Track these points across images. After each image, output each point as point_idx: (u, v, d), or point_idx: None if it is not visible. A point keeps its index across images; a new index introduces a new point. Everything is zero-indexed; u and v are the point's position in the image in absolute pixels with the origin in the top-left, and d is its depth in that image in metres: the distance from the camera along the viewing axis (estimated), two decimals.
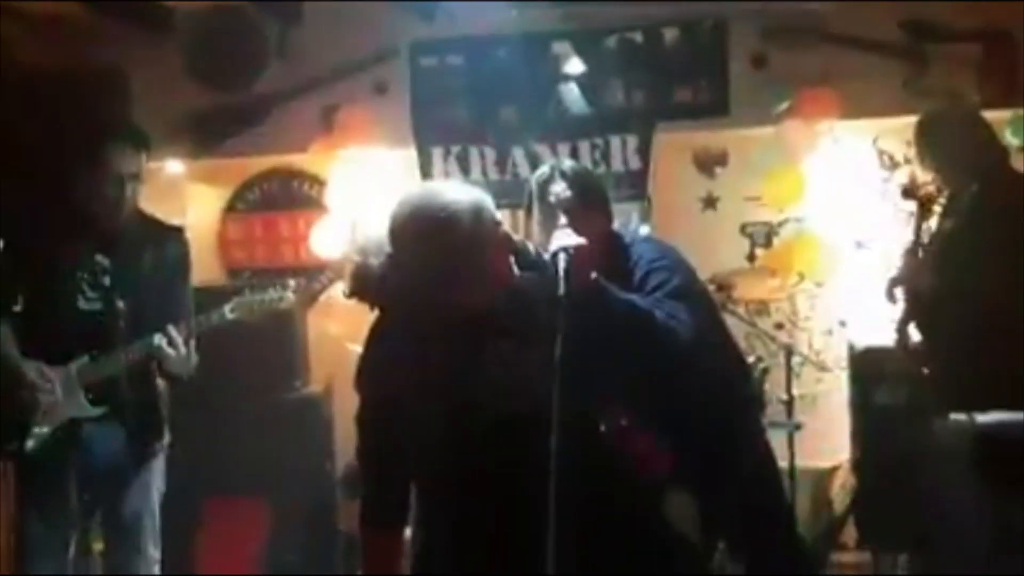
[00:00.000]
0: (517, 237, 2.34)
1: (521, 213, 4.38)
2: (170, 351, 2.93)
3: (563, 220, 2.37)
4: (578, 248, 2.14)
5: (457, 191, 2.10)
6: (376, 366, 2.20)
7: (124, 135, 3.10)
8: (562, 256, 2.11)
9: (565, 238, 2.17)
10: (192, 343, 3.01)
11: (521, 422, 2.06)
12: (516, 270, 2.16)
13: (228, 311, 3.06)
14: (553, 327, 2.02)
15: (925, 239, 3.70)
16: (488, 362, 2.11)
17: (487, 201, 2.10)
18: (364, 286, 2.28)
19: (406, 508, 2.29)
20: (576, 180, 2.60)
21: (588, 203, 2.56)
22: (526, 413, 2.03)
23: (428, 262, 2.04)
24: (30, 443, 2.94)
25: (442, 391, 2.10)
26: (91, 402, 2.99)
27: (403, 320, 2.18)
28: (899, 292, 3.75)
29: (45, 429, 2.96)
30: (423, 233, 2.03)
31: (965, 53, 4.23)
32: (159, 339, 2.93)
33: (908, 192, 3.75)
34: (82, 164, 3.03)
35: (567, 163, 2.73)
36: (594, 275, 2.22)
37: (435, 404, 2.10)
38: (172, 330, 2.94)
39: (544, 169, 2.67)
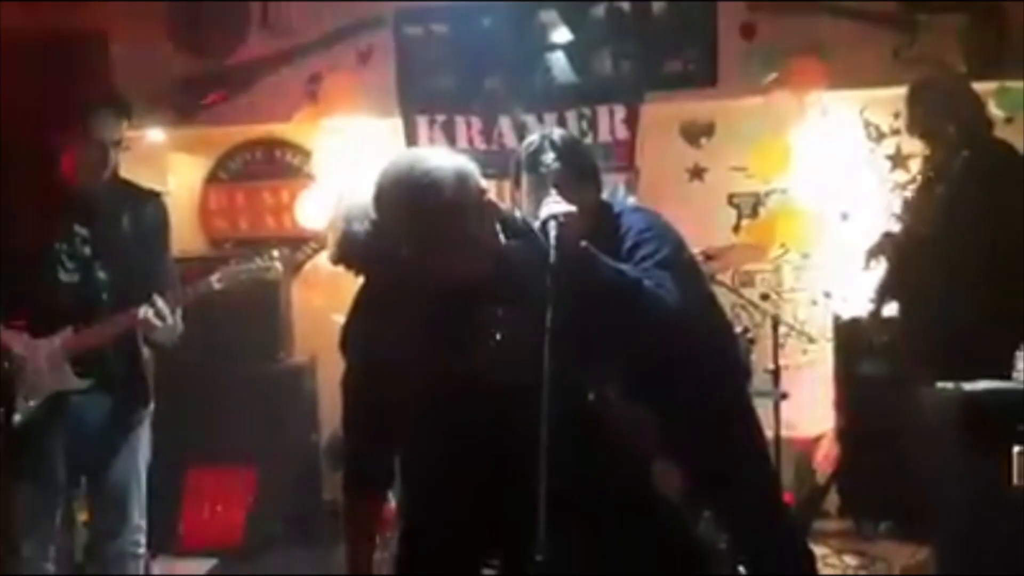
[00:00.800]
0: (504, 205, 2.33)
1: (508, 183, 4.41)
2: (157, 322, 2.90)
3: (552, 190, 2.36)
4: (567, 216, 2.13)
5: (441, 157, 2.09)
6: (361, 332, 2.20)
7: (106, 102, 3.05)
8: (552, 224, 2.10)
9: (555, 206, 2.16)
10: (179, 312, 2.98)
11: (507, 389, 2.05)
12: (502, 237, 2.15)
13: (215, 281, 3.03)
14: (541, 295, 2.02)
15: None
16: (474, 329, 2.11)
17: (471, 168, 2.09)
18: (349, 252, 2.27)
19: (389, 474, 2.29)
20: (565, 150, 2.57)
21: (577, 173, 2.54)
22: (512, 380, 2.03)
23: (411, 228, 2.03)
24: (17, 417, 2.91)
25: (426, 358, 2.09)
26: (77, 374, 2.97)
27: (387, 287, 2.17)
28: (876, 262, 3.77)
29: (32, 402, 2.93)
30: (406, 198, 2.01)
31: (953, 24, 4.23)
32: (145, 310, 2.90)
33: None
34: (63, 131, 2.98)
35: (556, 132, 2.69)
36: (583, 243, 2.21)
37: (420, 371, 2.10)
38: (159, 300, 2.91)
39: (533, 138, 2.64)
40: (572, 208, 2.16)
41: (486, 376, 2.09)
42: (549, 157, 2.53)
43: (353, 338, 2.23)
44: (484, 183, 2.11)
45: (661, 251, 2.42)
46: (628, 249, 2.44)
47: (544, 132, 2.68)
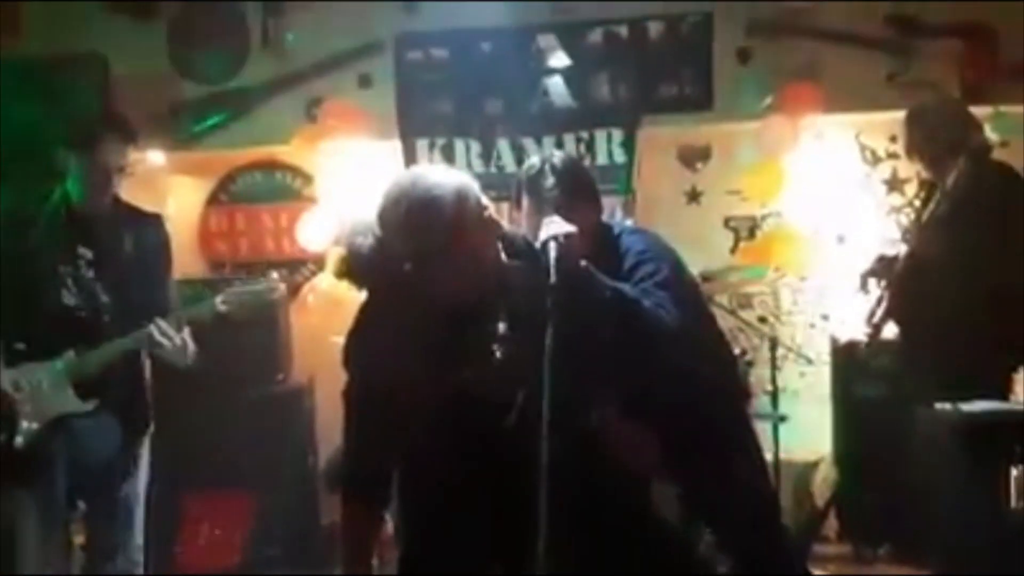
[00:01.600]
0: (505, 225, 2.34)
1: (507, 205, 4.43)
2: (164, 342, 2.91)
3: (552, 215, 2.38)
4: (568, 236, 2.15)
5: (443, 174, 2.11)
6: (362, 346, 2.22)
7: (112, 128, 3.08)
8: (552, 244, 2.12)
9: (555, 227, 2.18)
10: (187, 332, 2.98)
11: (505, 407, 2.06)
12: (503, 256, 2.16)
13: (219, 303, 3.04)
14: (541, 314, 2.03)
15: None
16: (473, 347, 2.12)
17: (473, 185, 2.11)
18: (353, 267, 2.28)
19: (388, 484, 2.29)
20: (566, 173, 2.59)
21: (578, 195, 2.56)
22: (511, 399, 2.04)
23: (413, 244, 2.05)
24: (19, 439, 2.91)
25: (426, 374, 2.10)
26: (80, 397, 2.97)
27: (389, 302, 2.19)
28: (872, 284, 3.78)
29: (35, 425, 2.93)
30: (408, 215, 2.04)
31: (947, 49, 4.27)
32: (151, 331, 2.91)
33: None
34: (70, 154, 3.00)
35: (557, 156, 2.71)
36: (583, 263, 2.22)
37: (419, 387, 2.11)
38: (162, 323, 2.91)
39: (534, 161, 2.66)
40: (572, 228, 2.18)
41: (485, 394, 2.10)
42: (550, 181, 2.55)
43: (354, 352, 2.24)
44: (485, 200, 2.13)
45: (660, 271, 2.44)
46: (628, 269, 2.45)
47: (545, 155, 2.70)
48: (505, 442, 2.04)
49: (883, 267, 3.76)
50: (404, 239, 2.05)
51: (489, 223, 2.12)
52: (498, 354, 2.11)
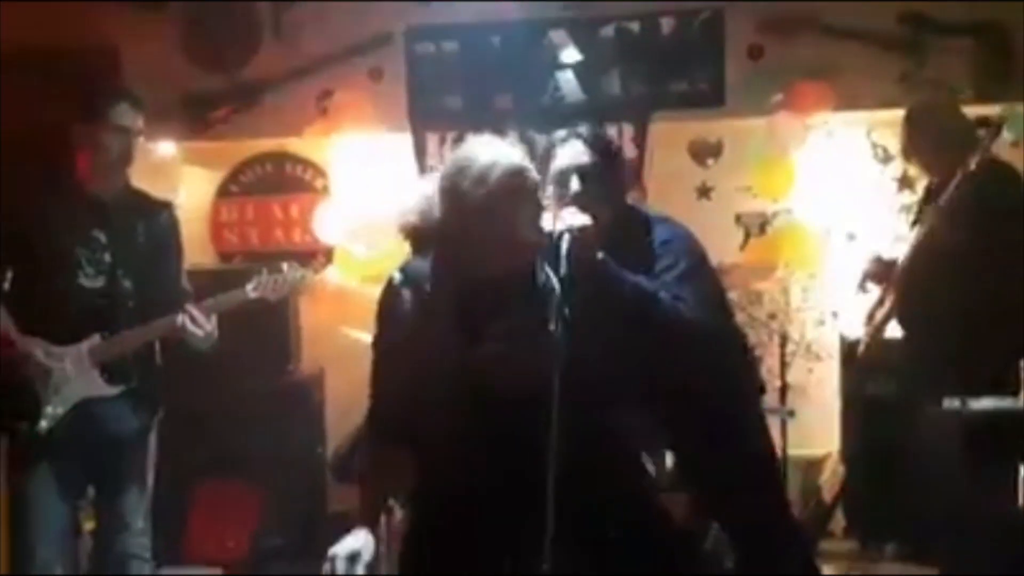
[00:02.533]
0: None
1: None
2: (196, 330, 2.92)
3: (576, 186, 2.36)
4: (582, 228, 2.14)
5: (495, 146, 2.09)
6: (396, 303, 2.19)
7: (122, 93, 3.10)
8: (566, 236, 2.11)
9: (570, 218, 2.16)
10: (214, 319, 2.99)
11: (519, 395, 2.06)
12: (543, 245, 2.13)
13: (250, 290, 3.05)
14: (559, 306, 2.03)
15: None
16: (494, 335, 2.11)
17: (504, 159, 2.06)
18: (409, 228, 2.25)
19: (408, 431, 2.24)
20: (595, 144, 2.54)
21: (604, 169, 2.50)
22: (528, 389, 2.04)
23: (461, 216, 2.05)
24: (43, 423, 2.93)
25: (451, 341, 2.10)
26: (107, 381, 2.98)
27: (428, 272, 2.17)
28: (870, 284, 3.78)
29: (60, 409, 2.94)
30: (438, 192, 2.06)
31: (960, 47, 4.26)
32: (182, 318, 2.92)
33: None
34: (82, 129, 3.01)
35: (585, 127, 2.62)
36: (600, 255, 2.21)
37: (442, 352, 2.10)
38: (193, 309, 2.93)
39: (560, 132, 2.62)
40: (587, 220, 2.17)
41: (503, 382, 2.09)
42: (577, 150, 2.51)
43: (387, 309, 2.21)
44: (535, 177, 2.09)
45: (681, 263, 2.41)
46: (649, 257, 2.42)
47: (574, 127, 2.64)
48: (515, 432, 2.04)
49: (878, 268, 3.76)
50: (448, 214, 2.06)
51: (522, 196, 2.07)
52: (518, 345, 2.09)
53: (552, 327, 2.03)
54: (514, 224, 2.05)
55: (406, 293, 2.17)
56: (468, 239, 2.06)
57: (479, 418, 2.09)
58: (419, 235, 2.24)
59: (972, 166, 3.36)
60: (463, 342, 2.10)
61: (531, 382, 2.02)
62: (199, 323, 2.93)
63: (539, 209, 2.12)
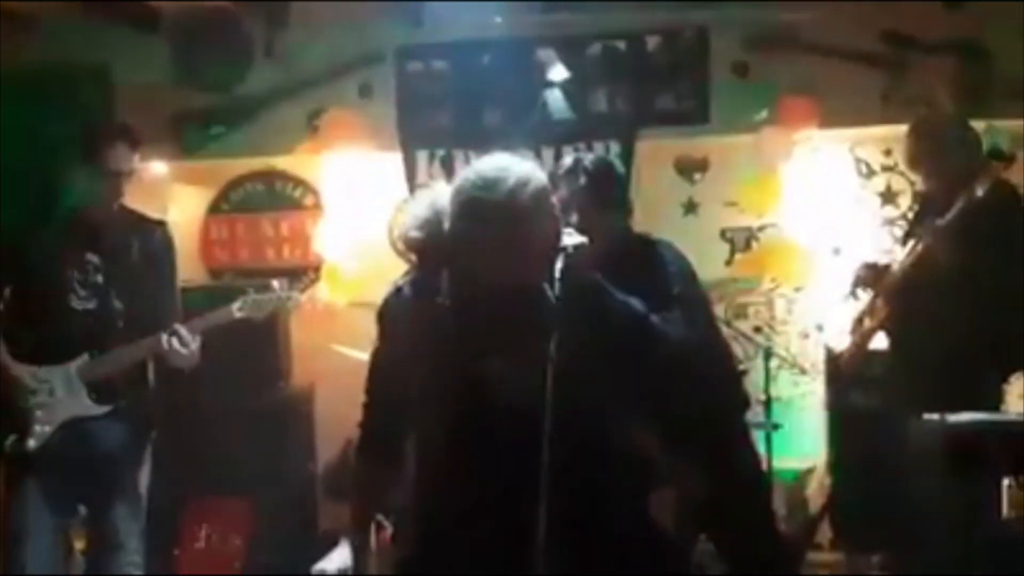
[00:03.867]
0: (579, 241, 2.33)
1: None
2: (182, 350, 2.95)
3: (574, 216, 2.40)
4: (577, 247, 2.18)
5: (508, 161, 2.09)
6: (399, 315, 2.21)
7: (118, 134, 3.12)
8: (561, 256, 2.15)
9: (566, 238, 2.20)
10: (198, 339, 3.03)
11: (518, 414, 2.09)
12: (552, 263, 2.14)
13: (236, 309, 3.08)
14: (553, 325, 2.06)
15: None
16: (492, 349, 2.13)
17: (536, 174, 2.08)
18: (410, 241, 2.26)
19: (399, 445, 2.28)
20: (596, 174, 2.60)
21: (604, 198, 2.56)
22: (523, 405, 2.07)
23: (475, 232, 2.06)
24: (31, 442, 2.95)
25: (449, 355, 2.12)
26: (95, 400, 3.01)
27: (434, 275, 2.19)
28: (860, 292, 3.81)
29: (47, 428, 2.97)
30: (460, 205, 2.07)
31: (941, 65, 4.32)
32: (168, 338, 2.95)
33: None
34: (77, 162, 3.04)
35: (589, 157, 2.72)
36: (594, 276, 2.25)
37: (438, 364, 2.12)
38: (181, 329, 2.96)
39: (566, 161, 2.67)
40: (583, 240, 2.20)
41: (498, 397, 2.11)
42: (580, 181, 2.56)
43: (389, 321, 2.22)
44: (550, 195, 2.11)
45: (673, 285, 2.45)
46: (643, 280, 2.46)
47: (578, 156, 2.70)
48: (509, 447, 2.07)
49: (871, 275, 3.79)
50: (466, 215, 2.06)
51: (555, 222, 2.11)
52: (515, 360, 2.12)
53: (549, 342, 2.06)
54: (538, 240, 2.07)
55: (411, 305, 2.18)
56: (489, 252, 2.05)
57: (479, 431, 2.11)
58: (426, 249, 2.25)
59: (979, 192, 3.38)
60: (467, 355, 2.12)
61: (530, 396, 2.05)
62: (184, 342, 2.95)
63: (559, 226, 2.13)
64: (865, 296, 3.82)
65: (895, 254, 3.91)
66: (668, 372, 2.33)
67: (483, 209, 2.04)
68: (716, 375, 2.74)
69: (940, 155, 3.61)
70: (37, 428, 2.96)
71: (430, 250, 2.20)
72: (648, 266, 2.51)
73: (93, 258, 3.04)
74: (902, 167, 4.36)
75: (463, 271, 2.13)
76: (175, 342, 2.95)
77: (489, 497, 2.11)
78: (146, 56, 4.67)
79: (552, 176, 2.60)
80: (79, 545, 3.45)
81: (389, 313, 2.22)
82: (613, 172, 2.87)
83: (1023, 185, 3.72)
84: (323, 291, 4.79)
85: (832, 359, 4.40)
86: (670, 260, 2.55)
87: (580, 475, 2.06)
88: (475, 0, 4.43)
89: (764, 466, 3.39)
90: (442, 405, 2.13)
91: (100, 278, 3.03)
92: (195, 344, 3.00)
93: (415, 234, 2.21)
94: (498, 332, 2.13)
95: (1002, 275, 3.35)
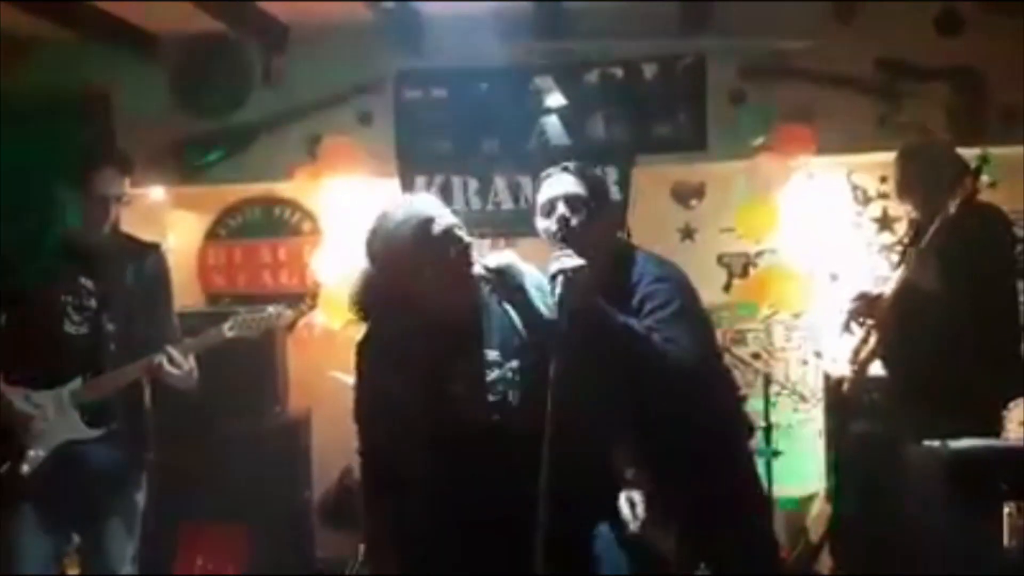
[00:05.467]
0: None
1: (502, 241, 4.47)
2: (173, 370, 2.94)
3: (562, 209, 2.40)
4: (576, 270, 2.18)
5: (401, 202, 2.26)
6: (367, 355, 2.31)
7: (108, 159, 3.13)
8: (560, 279, 2.15)
9: (565, 260, 2.20)
10: (192, 358, 3.01)
11: (490, 433, 2.13)
12: (481, 276, 2.24)
13: (227, 329, 3.08)
14: (539, 346, 2.07)
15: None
16: (462, 369, 2.20)
17: (440, 215, 2.20)
18: (352, 296, 2.35)
19: (403, 479, 2.31)
20: (582, 176, 2.58)
21: (591, 199, 2.54)
22: (495, 425, 2.10)
23: (381, 274, 2.21)
24: (25, 467, 2.93)
25: (417, 397, 2.19)
26: (87, 423, 2.99)
27: (384, 320, 2.29)
28: (856, 323, 3.81)
29: (41, 452, 2.95)
30: (370, 245, 2.24)
31: (936, 92, 4.36)
32: (160, 358, 2.94)
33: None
34: (68, 187, 3.05)
35: (574, 164, 2.66)
36: (594, 297, 2.25)
37: (413, 408, 2.18)
38: (172, 351, 2.95)
39: (551, 169, 2.66)
40: (581, 262, 2.21)
41: (470, 419, 2.18)
42: (567, 180, 2.55)
43: (360, 359, 2.33)
44: (458, 229, 2.21)
45: (673, 303, 2.42)
46: (641, 296, 2.44)
47: (564, 163, 2.67)
48: (488, 463, 2.10)
49: (864, 305, 3.79)
50: (375, 268, 2.22)
51: (457, 253, 2.19)
52: (490, 377, 2.16)
53: (513, 363, 2.10)
54: (431, 269, 2.17)
55: (373, 352, 2.28)
56: (399, 292, 2.19)
57: (457, 454, 2.15)
58: (364, 305, 2.32)
59: (952, 209, 3.40)
60: (431, 387, 2.18)
61: (495, 418, 2.09)
62: (176, 363, 2.95)
63: (460, 249, 2.20)
64: (859, 330, 3.81)
65: (892, 281, 3.92)
66: (670, 391, 2.33)
67: (372, 257, 2.22)
68: (718, 396, 2.71)
69: (928, 181, 3.63)
70: (31, 453, 2.94)
71: (368, 306, 2.30)
72: (643, 281, 2.48)
73: (87, 282, 3.03)
74: None
75: (394, 314, 2.23)
76: (166, 363, 2.93)
77: (482, 517, 2.12)
78: (145, 81, 4.69)
79: (541, 178, 2.62)
80: (73, 572, 3.41)
81: (357, 365, 2.33)
82: (597, 177, 2.82)
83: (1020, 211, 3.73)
84: (321, 317, 4.77)
85: (832, 385, 4.39)
86: (667, 276, 2.53)
87: (573, 492, 2.07)
88: (473, 27, 4.46)
89: (766, 492, 3.36)
90: (422, 437, 2.20)
91: (93, 302, 3.02)
92: (188, 365, 2.98)
93: (357, 286, 2.32)
94: (451, 361, 2.20)
95: (980, 298, 3.35)
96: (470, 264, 2.20)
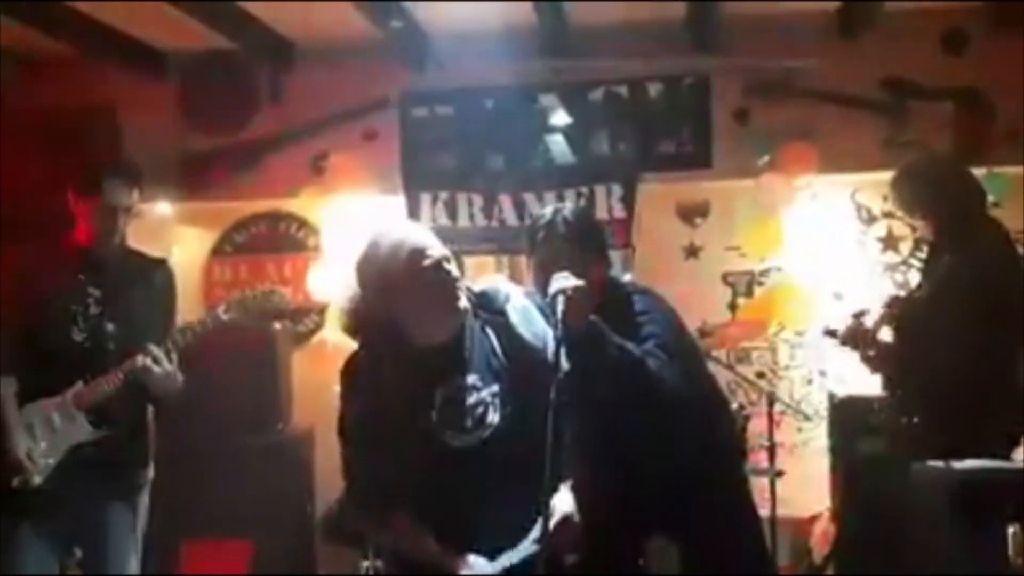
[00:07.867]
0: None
1: (507, 258, 4.48)
2: (155, 368, 2.94)
3: (563, 264, 2.42)
4: (576, 290, 2.20)
5: (383, 230, 2.28)
6: (352, 381, 2.33)
7: (117, 171, 3.15)
8: (560, 299, 2.17)
9: (564, 281, 2.23)
10: (175, 358, 3.01)
11: (471, 455, 2.17)
12: (467, 308, 2.26)
13: (222, 312, 3.08)
14: (526, 369, 2.10)
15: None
16: (442, 396, 2.23)
17: (431, 246, 2.23)
18: (343, 320, 2.37)
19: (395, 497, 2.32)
20: (577, 225, 2.63)
21: (588, 247, 2.59)
22: (473, 450, 2.13)
23: (369, 300, 2.24)
24: (37, 478, 2.94)
25: (395, 422, 2.21)
26: (91, 424, 3.00)
27: (370, 345, 2.32)
28: (852, 344, 3.79)
29: (52, 460, 2.96)
30: (359, 271, 2.26)
31: (941, 112, 4.36)
32: (142, 359, 2.95)
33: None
34: (77, 199, 3.07)
35: (568, 208, 2.73)
36: (592, 317, 2.26)
37: (390, 431, 2.21)
38: (154, 349, 2.96)
39: (546, 212, 2.69)
40: (581, 283, 2.22)
41: (451, 439, 2.21)
42: (561, 232, 2.59)
43: (346, 388, 2.35)
44: (443, 256, 2.24)
45: (663, 334, 2.47)
46: (631, 328, 2.47)
47: (557, 206, 2.73)
48: (467, 484, 2.13)
49: (856, 329, 3.76)
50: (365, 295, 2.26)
51: (441, 279, 2.22)
52: (468, 401, 2.20)
53: (493, 387, 2.16)
54: (419, 299, 2.20)
55: (356, 374, 2.31)
56: (385, 319, 2.21)
57: (435, 478, 2.18)
58: (350, 329, 2.37)
59: (960, 227, 3.39)
60: (409, 412, 2.21)
61: (473, 442, 2.14)
62: (158, 360, 2.95)
63: (449, 282, 2.23)
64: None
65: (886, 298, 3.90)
66: (663, 416, 2.35)
67: (363, 284, 2.24)
68: (710, 420, 2.72)
69: (926, 200, 3.62)
70: (41, 461, 2.94)
71: (361, 320, 2.33)
72: (632, 314, 2.52)
73: (94, 292, 3.05)
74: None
75: (382, 339, 2.26)
76: (148, 361, 2.93)
77: (450, 538, 2.15)
78: (153, 98, 4.73)
79: (533, 227, 2.65)
80: None
81: (342, 388, 2.35)
82: (593, 220, 2.91)
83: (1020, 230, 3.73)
84: (326, 333, 4.79)
85: (836, 404, 4.38)
86: (653, 309, 2.56)
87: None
88: (479, 45, 4.49)
89: (764, 513, 3.35)
90: (408, 459, 2.21)
91: (97, 310, 3.04)
92: (171, 365, 2.98)
93: (346, 307, 2.36)
94: (435, 384, 2.24)
95: (990, 317, 3.34)
96: (457, 297, 2.23)
